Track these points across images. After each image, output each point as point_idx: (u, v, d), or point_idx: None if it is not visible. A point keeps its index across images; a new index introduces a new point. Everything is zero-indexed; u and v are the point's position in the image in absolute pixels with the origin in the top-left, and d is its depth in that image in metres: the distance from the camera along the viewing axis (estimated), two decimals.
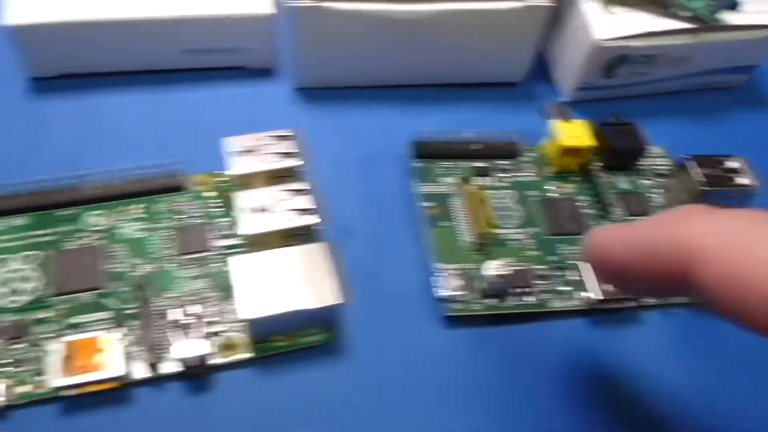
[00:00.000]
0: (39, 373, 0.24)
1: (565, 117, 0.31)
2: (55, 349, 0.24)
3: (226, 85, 0.33)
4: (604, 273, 0.21)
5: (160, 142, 0.31)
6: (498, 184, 0.31)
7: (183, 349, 0.24)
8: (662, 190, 0.31)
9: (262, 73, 0.34)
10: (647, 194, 0.31)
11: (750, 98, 0.37)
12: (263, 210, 0.26)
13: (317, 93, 0.34)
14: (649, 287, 0.20)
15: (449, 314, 0.27)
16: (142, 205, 0.28)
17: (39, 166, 0.29)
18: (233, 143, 0.27)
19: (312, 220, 0.26)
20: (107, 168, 0.28)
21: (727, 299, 0.16)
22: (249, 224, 0.25)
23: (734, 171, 0.29)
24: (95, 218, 0.27)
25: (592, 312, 0.28)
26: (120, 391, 0.24)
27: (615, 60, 0.32)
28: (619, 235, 0.20)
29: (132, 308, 0.25)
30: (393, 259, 0.29)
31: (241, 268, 0.24)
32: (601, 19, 0.31)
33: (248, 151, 0.27)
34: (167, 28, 0.31)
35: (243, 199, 0.26)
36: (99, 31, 0.30)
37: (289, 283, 0.24)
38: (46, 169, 0.28)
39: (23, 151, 0.30)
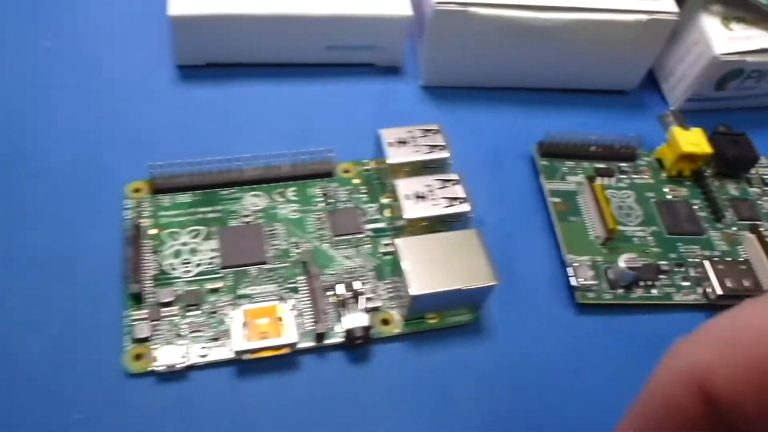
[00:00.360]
0: (216, 337, 0.26)
1: (683, 125, 0.33)
2: (235, 316, 0.26)
3: (356, 80, 0.35)
4: None
5: (299, 131, 0.33)
6: (619, 184, 0.33)
7: (351, 321, 0.26)
8: None
9: (391, 70, 0.36)
10: (757, 201, 0.33)
11: None
12: (421, 197, 0.28)
13: (442, 91, 0.36)
14: None
15: (582, 302, 0.29)
16: (296, 189, 0.30)
17: (190, 149, 0.31)
18: (388, 135, 0.29)
19: (465, 207, 0.28)
20: (257, 153, 0.30)
21: (755, 392, 0.14)
22: (411, 210, 0.27)
23: None
24: (254, 199, 0.29)
25: (713, 306, 0.30)
26: (289, 357, 0.26)
27: (730, 74, 0.34)
28: (625, 419, 0.18)
29: (293, 283, 0.27)
30: (523, 248, 0.31)
31: (406, 249, 0.26)
32: (721, 34, 0.33)
33: (401, 143, 0.29)
34: (313, 24, 0.33)
35: (402, 186, 0.28)
36: (249, 24, 0.32)
37: (448, 264, 0.26)
38: (197, 152, 0.30)
39: (175, 134, 0.32)
